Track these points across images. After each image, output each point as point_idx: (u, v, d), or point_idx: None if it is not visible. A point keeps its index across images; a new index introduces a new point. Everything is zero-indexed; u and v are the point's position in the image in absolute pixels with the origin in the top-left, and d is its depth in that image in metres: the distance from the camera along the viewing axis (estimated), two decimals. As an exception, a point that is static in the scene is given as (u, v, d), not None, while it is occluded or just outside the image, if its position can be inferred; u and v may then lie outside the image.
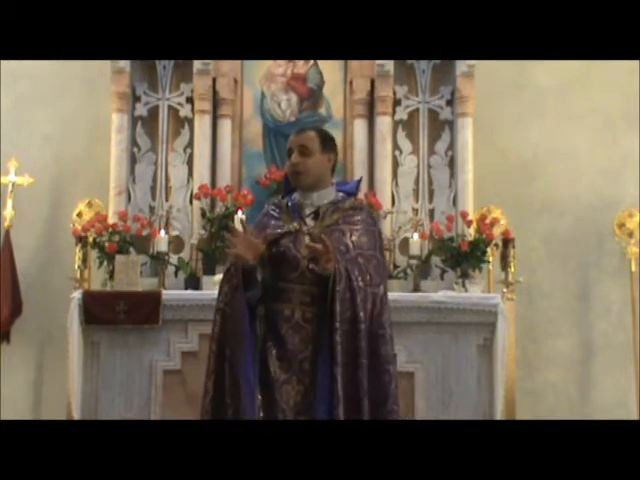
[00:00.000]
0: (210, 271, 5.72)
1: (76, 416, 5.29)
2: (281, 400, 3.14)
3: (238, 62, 6.16)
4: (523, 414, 5.71)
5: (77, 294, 5.43)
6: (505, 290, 5.70)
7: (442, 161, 6.14)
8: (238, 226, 3.09)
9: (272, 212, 3.36)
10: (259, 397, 3.14)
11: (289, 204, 3.32)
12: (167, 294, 5.47)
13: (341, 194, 3.35)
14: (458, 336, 5.38)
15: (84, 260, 5.71)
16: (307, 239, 3.16)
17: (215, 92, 6.08)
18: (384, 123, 6.09)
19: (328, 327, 3.09)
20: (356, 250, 3.20)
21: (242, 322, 3.15)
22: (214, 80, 6.07)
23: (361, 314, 3.14)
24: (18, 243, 6.19)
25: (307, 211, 3.28)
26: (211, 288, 5.28)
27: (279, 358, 3.17)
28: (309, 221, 3.26)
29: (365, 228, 3.26)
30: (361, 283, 3.14)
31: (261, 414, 3.13)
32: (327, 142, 3.29)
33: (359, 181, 3.60)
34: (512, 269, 5.75)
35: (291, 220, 3.27)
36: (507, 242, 5.81)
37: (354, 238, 3.22)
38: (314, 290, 3.16)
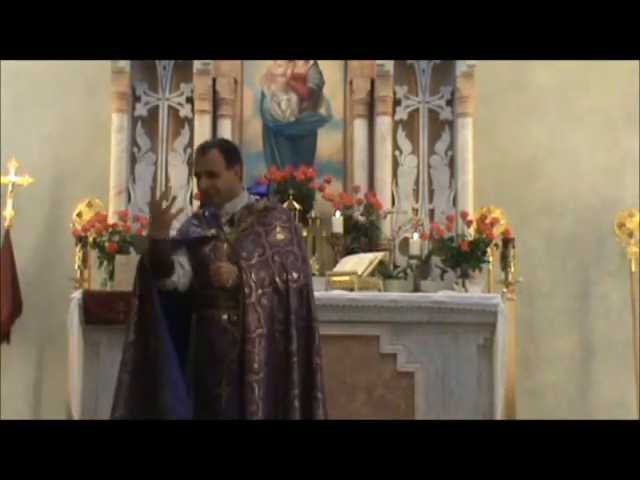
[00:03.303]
0: (210, 271, 5.71)
1: (76, 416, 5.29)
2: (213, 404, 3.23)
3: (238, 62, 6.16)
4: (523, 414, 5.70)
5: (77, 294, 5.43)
6: (505, 290, 5.70)
7: (442, 161, 6.14)
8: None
9: (193, 220, 3.51)
10: (192, 401, 3.25)
11: (206, 214, 3.45)
12: (167, 294, 5.47)
13: (254, 198, 3.47)
14: (458, 336, 5.38)
15: (84, 260, 5.71)
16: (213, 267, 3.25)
17: (215, 92, 6.08)
18: (384, 123, 6.09)
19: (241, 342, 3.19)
20: (272, 249, 3.32)
21: (154, 311, 3.25)
22: (214, 80, 6.07)
23: (292, 317, 3.25)
24: (18, 243, 6.19)
25: (223, 220, 3.40)
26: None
27: (209, 363, 3.26)
28: (226, 228, 3.39)
29: (280, 225, 3.39)
30: (281, 284, 3.25)
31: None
32: (231, 156, 3.41)
33: (269, 184, 3.82)
34: (512, 269, 5.75)
35: (209, 228, 3.40)
36: (507, 242, 5.81)
37: (270, 238, 3.35)
38: (238, 294, 3.24)
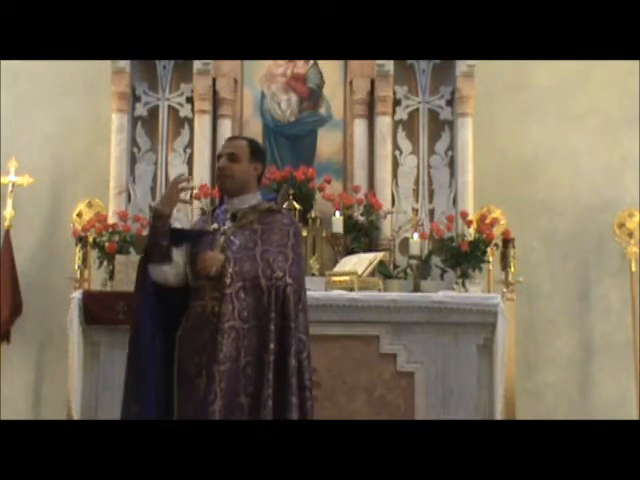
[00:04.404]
0: (210, 271, 5.72)
1: (76, 416, 5.29)
2: (193, 395, 3.25)
3: (238, 62, 6.16)
4: (523, 414, 5.71)
5: (77, 294, 5.43)
6: (505, 290, 5.70)
7: (442, 161, 6.14)
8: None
9: (201, 220, 3.66)
10: (175, 394, 3.30)
11: (216, 211, 3.53)
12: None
13: (263, 201, 3.52)
14: (458, 336, 5.37)
15: (84, 260, 5.71)
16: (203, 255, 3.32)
17: (215, 92, 6.08)
18: (384, 123, 6.09)
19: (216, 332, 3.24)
20: (264, 246, 3.36)
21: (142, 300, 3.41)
22: (214, 80, 6.07)
23: (271, 314, 3.26)
24: (18, 243, 6.19)
25: (228, 214, 3.47)
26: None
27: (192, 354, 3.30)
28: (227, 222, 3.45)
29: (278, 227, 3.43)
30: (263, 281, 3.28)
31: (176, 412, 3.28)
32: (256, 152, 3.51)
33: (280, 193, 3.83)
34: (512, 269, 5.75)
35: (212, 224, 3.47)
36: (507, 242, 5.81)
37: (264, 236, 3.39)
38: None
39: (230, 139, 3.66)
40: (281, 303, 3.27)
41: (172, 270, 3.38)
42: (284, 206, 3.69)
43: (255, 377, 3.22)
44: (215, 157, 6.00)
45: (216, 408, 3.14)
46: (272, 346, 3.22)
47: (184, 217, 5.96)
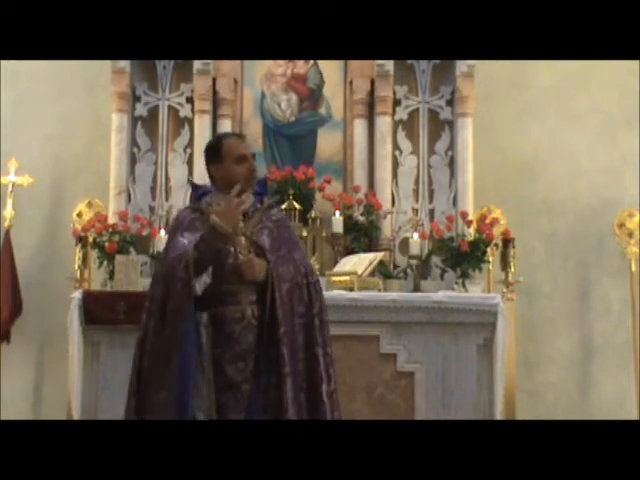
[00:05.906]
0: (210, 271, 5.71)
1: (76, 416, 5.29)
2: (240, 400, 3.21)
3: (238, 62, 6.16)
4: (523, 414, 5.71)
5: (77, 294, 5.43)
6: (505, 290, 5.70)
7: (442, 161, 6.15)
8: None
9: (193, 216, 3.38)
10: (213, 399, 3.21)
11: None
12: (167, 294, 5.46)
13: (258, 198, 3.48)
14: (458, 336, 5.38)
15: (84, 260, 5.71)
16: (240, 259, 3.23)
17: (215, 92, 6.09)
18: (384, 123, 6.09)
19: (271, 336, 3.19)
20: (287, 245, 3.36)
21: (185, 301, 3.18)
22: (214, 80, 6.08)
23: (314, 310, 3.30)
24: (18, 243, 6.19)
25: None
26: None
27: (234, 360, 3.22)
28: (239, 222, 3.31)
29: (284, 223, 3.46)
30: (300, 279, 3.30)
31: (214, 415, 3.21)
32: None
33: (265, 180, 3.75)
34: (512, 269, 5.75)
35: None
36: (507, 242, 5.81)
37: (277, 234, 3.37)
38: (261, 289, 3.26)
39: (242, 138, 3.47)
40: (316, 298, 3.32)
41: (206, 279, 3.23)
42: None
43: (306, 372, 3.24)
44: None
45: (294, 410, 3.16)
46: (320, 341, 3.26)
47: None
